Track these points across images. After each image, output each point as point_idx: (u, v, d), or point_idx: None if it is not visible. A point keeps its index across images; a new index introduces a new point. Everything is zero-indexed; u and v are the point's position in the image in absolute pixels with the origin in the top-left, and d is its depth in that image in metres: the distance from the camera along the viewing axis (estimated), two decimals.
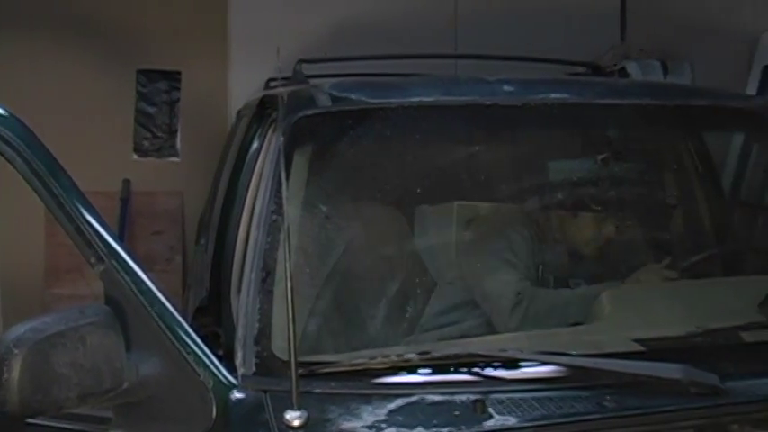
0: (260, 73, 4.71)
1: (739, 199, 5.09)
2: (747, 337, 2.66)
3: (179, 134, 6.18)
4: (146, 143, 6.16)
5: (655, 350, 2.55)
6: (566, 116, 3.23)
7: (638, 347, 2.56)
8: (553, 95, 3.25)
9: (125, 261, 2.29)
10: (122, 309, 2.27)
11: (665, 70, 5.39)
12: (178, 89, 6.14)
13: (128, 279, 2.27)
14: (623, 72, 5.29)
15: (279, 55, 2.38)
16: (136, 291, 2.27)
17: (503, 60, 4.26)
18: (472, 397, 2.23)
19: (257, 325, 2.46)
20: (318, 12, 5.74)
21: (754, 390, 2.34)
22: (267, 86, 4.62)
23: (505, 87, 3.26)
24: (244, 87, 5.29)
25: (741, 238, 4.31)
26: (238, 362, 2.41)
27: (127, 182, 6.08)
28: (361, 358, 2.41)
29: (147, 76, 6.10)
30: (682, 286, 3.17)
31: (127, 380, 2.23)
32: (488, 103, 3.14)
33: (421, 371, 2.37)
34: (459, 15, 5.91)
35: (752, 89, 5.35)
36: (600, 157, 3.28)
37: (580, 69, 4.71)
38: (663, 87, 4.33)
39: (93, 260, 2.29)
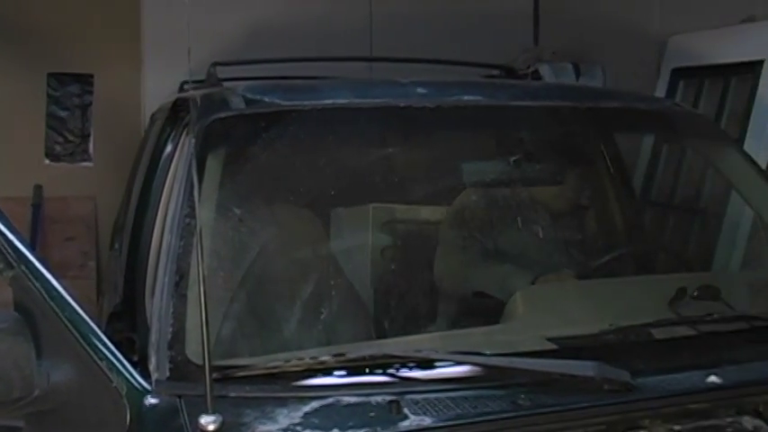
0: (174, 75, 4.66)
1: (650, 199, 5.19)
2: (658, 334, 2.71)
3: (92, 138, 6.10)
4: (58, 148, 6.07)
5: (568, 348, 2.58)
6: (479, 118, 3.26)
7: (552, 346, 2.59)
8: (466, 97, 3.27)
9: (35, 267, 2.25)
10: (33, 315, 2.23)
11: (578, 73, 5.47)
12: (90, 92, 6.07)
13: (38, 285, 2.24)
14: (536, 74, 5.35)
15: (190, 57, 2.35)
16: (46, 297, 2.23)
17: (417, 63, 4.29)
18: (388, 398, 2.24)
19: (171, 329, 2.43)
20: (233, 13, 5.71)
21: (664, 385, 2.38)
22: (181, 89, 4.58)
23: (419, 89, 3.27)
24: (158, 90, 5.23)
25: (651, 238, 4.40)
26: (152, 367, 2.38)
27: (38, 187, 5.99)
28: (276, 361, 2.39)
29: (59, 79, 6.02)
30: (594, 285, 3.22)
31: (38, 387, 2.19)
32: (402, 105, 3.15)
33: (336, 373, 2.37)
34: (373, 18, 5.93)
35: (661, 91, 5.46)
36: (513, 158, 3.32)
37: (494, 72, 4.76)
38: (575, 89, 4.39)
39: (1, 266, 2.25)
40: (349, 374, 2.37)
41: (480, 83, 4.10)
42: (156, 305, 2.55)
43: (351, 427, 2.15)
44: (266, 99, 3.11)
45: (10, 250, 2.24)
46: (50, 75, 6.01)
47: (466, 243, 3.39)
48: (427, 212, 3.51)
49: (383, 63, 4.77)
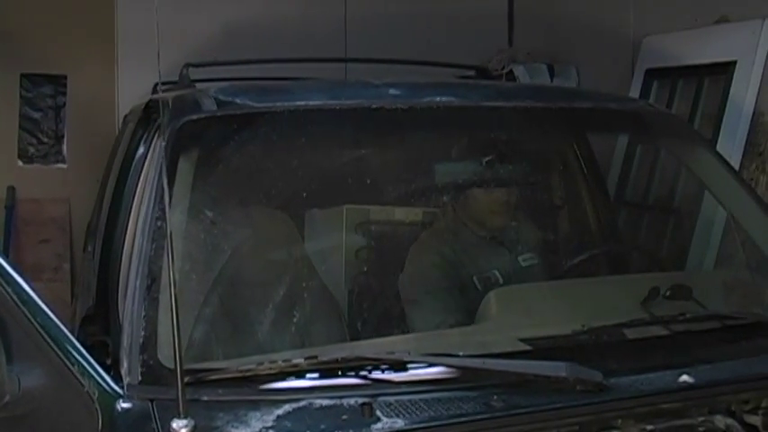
0: (149, 76, 4.59)
1: (624, 199, 5.21)
2: (630, 334, 2.73)
3: (65, 140, 6.05)
4: (31, 149, 6.02)
5: (541, 349, 2.59)
6: (452, 119, 3.26)
7: (525, 347, 2.59)
8: (439, 98, 3.27)
9: (5, 270, 2.23)
10: (3, 320, 2.21)
11: (552, 73, 5.48)
12: (64, 93, 6.02)
13: (8, 289, 2.22)
14: (510, 75, 5.36)
15: (160, 58, 2.34)
16: (17, 301, 2.21)
17: (392, 64, 4.28)
18: (360, 400, 2.24)
19: (143, 333, 2.42)
20: (206, 14, 5.69)
21: (636, 385, 2.39)
22: (154, 91, 4.56)
23: (392, 91, 3.27)
24: (132, 91, 5.21)
25: (625, 238, 4.41)
26: (124, 371, 2.37)
27: (12, 189, 5.93)
28: (248, 364, 2.39)
29: (32, 80, 5.96)
30: (567, 285, 3.22)
31: (8, 393, 2.17)
32: (375, 106, 3.15)
33: (309, 375, 2.36)
34: (348, 19, 5.92)
35: (635, 92, 5.48)
36: (486, 159, 3.32)
37: (468, 72, 4.76)
38: (549, 90, 4.40)
39: None
40: (322, 377, 2.37)
41: (454, 84, 4.11)
42: (128, 308, 2.54)
43: (323, 430, 2.16)
44: (238, 101, 3.10)
45: None
46: (23, 76, 5.95)
47: (438, 245, 3.39)
48: (401, 213, 3.51)
49: (358, 64, 4.77)
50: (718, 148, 4.32)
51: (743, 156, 4.74)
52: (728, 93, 4.88)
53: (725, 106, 4.89)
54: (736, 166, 4.45)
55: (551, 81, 5.49)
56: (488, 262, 3.34)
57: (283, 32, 5.63)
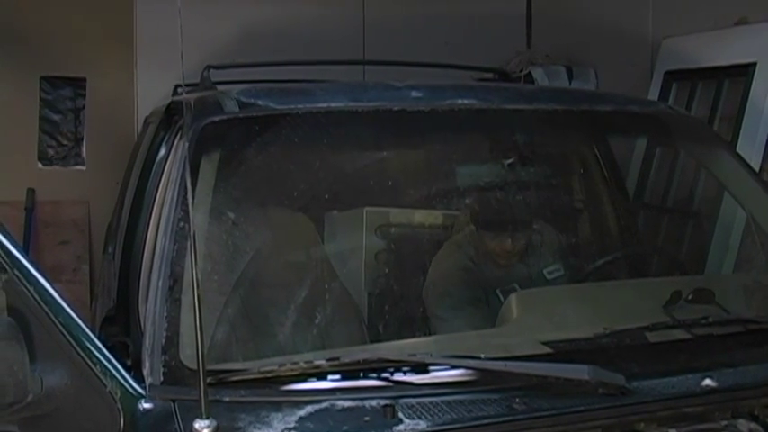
0: (167, 79, 4.67)
1: (643, 202, 5.20)
2: (652, 337, 2.71)
3: (84, 142, 6.07)
4: (50, 151, 6.04)
5: (563, 352, 2.58)
6: (473, 121, 3.25)
7: (547, 349, 2.59)
8: (460, 101, 3.26)
9: (28, 271, 2.24)
10: (26, 320, 2.22)
11: (570, 76, 5.46)
12: (83, 96, 6.04)
13: (31, 289, 2.23)
14: (529, 78, 5.35)
15: (182, 60, 2.34)
16: (40, 301, 2.23)
17: (411, 66, 4.28)
18: (382, 402, 2.24)
19: (165, 333, 2.42)
20: (226, 17, 5.70)
21: (659, 389, 2.39)
22: (175, 93, 4.57)
23: (413, 93, 3.26)
24: (151, 94, 5.24)
25: (646, 241, 4.39)
26: (146, 371, 2.37)
27: (31, 191, 5.96)
28: (270, 365, 2.39)
29: (51, 82, 5.99)
30: (588, 288, 3.22)
31: (31, 392, 2.18)
32: (396, 108, 3.14)
33: (331, 377, 2.36)
34: (366, 21, 5.92)
35: (654, 94, 5.47)
36: (507, 161, 3.32)
37: (487, 75, 4.75)
38: (568, 93, 4.38)
39: None
40: (343, 378, 2.36)
41: (474, 86, 4.09)
42: (150, 309, 2.54)
43: (346, 431, 2.15)
44: (260, 103, 3.10)
45: (3, 254, 2.23)
46: (43, 78, 5.98)
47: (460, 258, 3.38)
48: (422, 216, 3.51)
49: (376, 66, 4.77)
50: (738, 150, 4.29)
51: (762, 158, 4.72)
52: (748, 95, 4.86)
53: (744, 108, 4.87)
54: (756, 168, 4.43)
55: (570, 83, 5.47)
56: (512, 277, 3.34)
57: (302, 35, 5.64)
